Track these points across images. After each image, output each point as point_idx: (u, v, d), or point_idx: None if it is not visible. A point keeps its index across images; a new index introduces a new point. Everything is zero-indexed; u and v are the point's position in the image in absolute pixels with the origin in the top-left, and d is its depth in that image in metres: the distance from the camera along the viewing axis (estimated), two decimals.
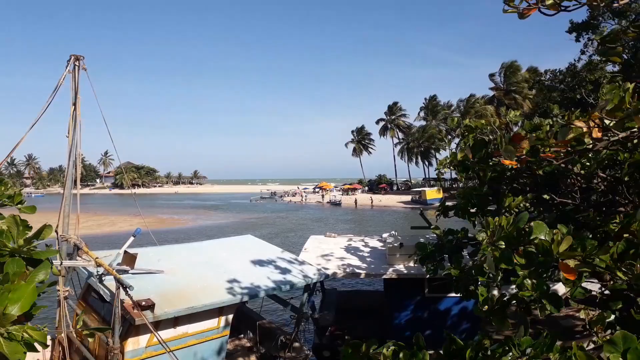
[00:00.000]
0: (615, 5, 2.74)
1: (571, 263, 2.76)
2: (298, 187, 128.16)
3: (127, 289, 6.07)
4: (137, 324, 6.55)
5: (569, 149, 3.20)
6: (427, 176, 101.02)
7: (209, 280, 8.30)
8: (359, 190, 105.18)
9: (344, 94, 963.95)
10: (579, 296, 3.80)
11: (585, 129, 3.14)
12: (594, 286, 4.91)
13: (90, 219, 50.45)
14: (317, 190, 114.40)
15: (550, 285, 3.23)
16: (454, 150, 6.86)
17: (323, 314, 11.49)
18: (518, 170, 5.54)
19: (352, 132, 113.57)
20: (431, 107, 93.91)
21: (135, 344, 6.93)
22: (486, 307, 3.92)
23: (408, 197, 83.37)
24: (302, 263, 10.09)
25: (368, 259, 11.23)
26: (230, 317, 8.05)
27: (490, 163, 5.28)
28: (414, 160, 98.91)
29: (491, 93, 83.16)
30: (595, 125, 3.14)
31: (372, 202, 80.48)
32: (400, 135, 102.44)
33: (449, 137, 73.28)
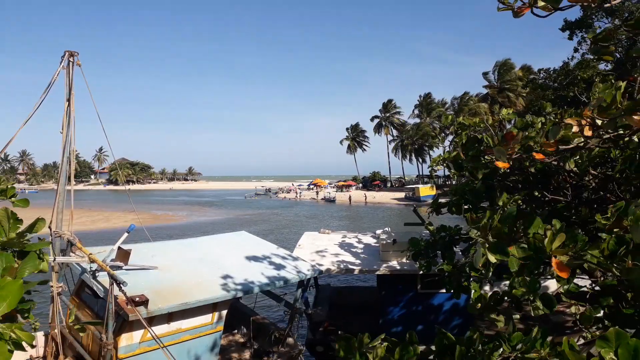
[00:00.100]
0: (607, 5, 2.76)
1: (564, 260, 2.78)
2: (292, 184, 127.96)
3: (121, 285, 6.05)
4: (131, 320, 6.55)
5: (559, 147, 3.23)
6: (420, 173, 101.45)
7: (203, 276, 8.30)
8: (353, 187, 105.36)
9: (339, 91, 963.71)
10: (574, 290, 3.85)
11: (576, 128, 3.17)
12: (584, 282, 4.97)
13: (84, 214, 50.24)
14: (311, 187, 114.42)
15: (542, 282, 3.27)
16: (447, 147, 6.91)
17: (317, 309, 11.56)
18: (510, 167, 5.58)
19: (347, 129, 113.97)
20: (426, 104, 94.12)
21: (129, 339, 6.93)
22: (479, 305, 3.96)
23: (402, 194, 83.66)
24: (296, 259, 10.11)
25: (362, 255, 11.27)
26: (224, 312, 8.06)
27: (483, 161, 5.31)
28: (408, 157, 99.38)
29: (485, 91, 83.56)
30: (587, 124, 3.16)
31: (366, 199, 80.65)
32: (395, 132, 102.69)
33: (443, 134, 73.44)
